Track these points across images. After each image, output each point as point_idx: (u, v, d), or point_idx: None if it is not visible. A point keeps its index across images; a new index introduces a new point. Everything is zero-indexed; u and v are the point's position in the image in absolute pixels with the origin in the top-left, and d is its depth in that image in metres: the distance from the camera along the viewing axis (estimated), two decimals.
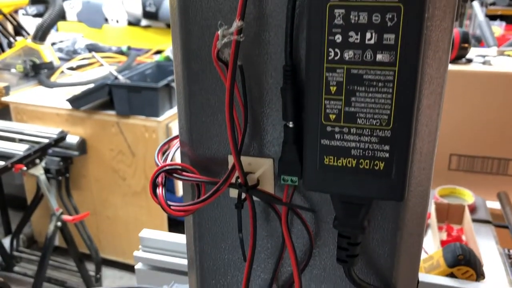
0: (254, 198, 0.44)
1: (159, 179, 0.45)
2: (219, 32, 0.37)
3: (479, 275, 0.85)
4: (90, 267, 2.27)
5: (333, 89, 0.36)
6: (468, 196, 1.18)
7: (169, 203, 0.44)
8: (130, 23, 3.11)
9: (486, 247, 1.13)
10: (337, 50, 0.35)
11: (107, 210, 2.35)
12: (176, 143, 0.50)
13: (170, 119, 2.22)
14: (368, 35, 0.34)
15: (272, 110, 0.43)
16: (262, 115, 0.43)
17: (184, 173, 0.45)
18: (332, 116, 0.37)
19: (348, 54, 0.35)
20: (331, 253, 0.45)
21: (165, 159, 0.48)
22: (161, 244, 0.87)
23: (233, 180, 0.44)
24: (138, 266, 0.87)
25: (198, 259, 0.50)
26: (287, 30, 0.38)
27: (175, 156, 0.50)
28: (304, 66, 0.39)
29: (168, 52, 2.51)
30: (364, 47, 0.34)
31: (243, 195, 0.44)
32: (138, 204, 2.30)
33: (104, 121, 2.21)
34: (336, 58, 0.35)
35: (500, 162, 1.81)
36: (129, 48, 2.78)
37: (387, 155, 0.37)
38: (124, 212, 2.33)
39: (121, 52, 2.73)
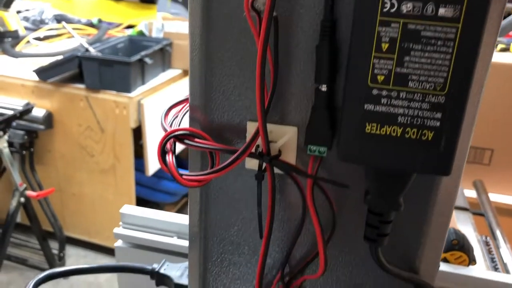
0: (275, 170, 0.40)
1: (168, 146, 0.40)
2: None
3: (471, 260, 0.84)
4: (54, 246, 2.19)
5: (384, 46, 0.32)
6: None
7: (181, 172, 0.39)
8: None
9: (465, 233, 1.13)
10: (393, 1, 0.31)
11: (73, 187, 2.26)
12: (184, 108, 0.45)
13: (142, 95, 2.15)
14: None
15: (301, 71, 0.38)
16: (289, 77, 0.39)
17: (196, 139, 0.40)
18: (380, 78, 0.33)
19: (406, 7, 0.31)
20: (353, 232, 0.41)
21: (171, 126, 0.43)
22: (143, 221, 0.81)
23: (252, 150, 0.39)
24: (118, 243, 0.82)
25: (202, 235, 0.45)
26: None
27: (183, 122, 0.45)
28: (344, 23, 0.35)
29: (142, 26, 2.42)
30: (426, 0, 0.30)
31: (263, 166, 0.40)
32: (106, 182, 2.23)
33: (72, 95, 2.12)
34: (392, 10, 0.31)
35: (476, 151, 1.83)
36: (100, 20, 2.67)
37: (438, 124, 0.33)
38: (90, 189, 2.25)
39: (91, 25, 2.62)
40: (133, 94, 2.10)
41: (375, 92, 0.33)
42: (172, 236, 0.81)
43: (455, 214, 1.21)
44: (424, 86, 0.32)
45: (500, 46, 1.79)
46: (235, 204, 0.43)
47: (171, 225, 0.81)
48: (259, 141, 0.38)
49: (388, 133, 0.34)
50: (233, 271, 0.46)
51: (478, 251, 1.05)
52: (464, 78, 0.32)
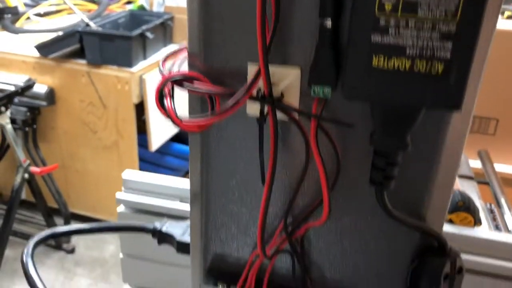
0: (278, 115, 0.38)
1: (166, 90, 0.39)
2: None
3: (477, 221, 0.83)
4: (59, 222, 2.20)
5: None
6: None
7: (180, 116, 0.37)
8: None
9: None
10: None
11: (76, 164, 2.26)
12: (182, 56, 0.44)
13: (143, 70, 2.13)
14: None
15: (304, 6, 0.36)
16: (291, 13, 0.37)
17: (196, 82, 0.39)
18: (388, 6, 0.31)
19: None
20: (358, 178, 0.40)
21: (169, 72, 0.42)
22: (146, 185, 0.81)
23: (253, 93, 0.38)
24: (121, 209, 0.81)
25: (204, 188, 0.44)
26: None
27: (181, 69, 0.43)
28: None
29: (143, 1, 2.39)
30: None
31: (265, 110, 0.38)
32: (109, 158, 2.22)
33: (74, 71, 2.10)
34: None
35: (481, 121, 1.81)
36: None
37: (448, 55, 0.31)
38: (94, 166, 2.25)
39: (91, 0, 2.59)
40: (134, 69, 2.08)
41: (382, 22, 0.31)
42: (175, 200, 0.80)
43: (460, 183, 1.20)
44: (434, 13, 0.31)
45: (507, 14, 1.75)
46: (236, 153, 0.42)
47: (174, 189, 0.80)
48: (261, 84, 0.37)
49: (396, 66, 0.32)
50: (236, 223, 0.45)
51: (482, 218, 1.04)
52: (477, 5, 0.30)
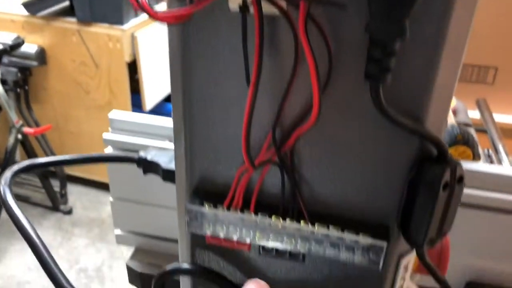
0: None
1: None
2: None
3: (476, 156, 0.81)
4: (55, 183, 2.19)
5: None
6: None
7: (156, 9, 0.34)
8: None
9: None
10: None
11: (70, 125, 2.23)
12: None
13: (135, 28, 2.09)
14: None
15: None
16: None
17: None
18: None
19: None
20: (351, 80, 0.37)
21: None
22: (133, 125, 0.78)
23: None
24: (108, 150, 0.79)
25: (187, 94, 0.41)
26: None
27: None
28: None
29: None
30: None
31: None
32: (103, 119, 2.18)
33: (64, 29, 2.05)
34: None
35: (480, 69, 1.77)
36: None
37: None
38: (88, 126, 2.22)
39: None
40: (126, 26, 2.04)
41: None
42: (163, 140, 0.77)
43: None
44: None
45: None
46: (218, 56, 0.39)
47: (162, 129, 0.77)
48: None
49: None
50: (223, 140, 0.42)
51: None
52: None
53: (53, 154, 2.16)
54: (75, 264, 1.96)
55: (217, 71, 0.39)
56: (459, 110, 1.28)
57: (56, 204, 2.16)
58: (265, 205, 0.43)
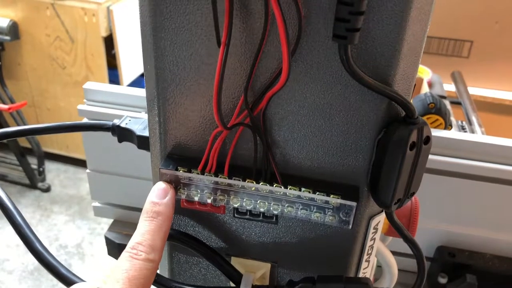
0: None
1: None
2: None
3: (448, 125, 0.82)
4: (32, 161, 2.17)
5: None
6: (425, 73, 1.16)
7: None
8: None
9: None
10: None
11: (47, 101, 2.20)
12: None
13: (111, 1, 2.05)
14: None
15: None
16: None
17: None
18: None
19: None
20: (320, 45, 0.37)
21: None
22: (108, 96, 0.77)
23: None
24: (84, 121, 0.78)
25: (159, 60, 0.41)
26: None
27: None
28: None
29: None
30: None
31: None
32: (80, 95, 2.16)
33: (37, 2, 2.01)
34: None
35: (455, 43, 1.79)
36: None
37: None
38: (65, 103, 2.20)
39: None
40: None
41: None
42: (139, 111, 0.77)
43: None
44: None
45: None
46: (189, 18, 0.39)
47: (138, 99, 0.77)
48: None
49: None
50: (193, 96, 0.42)
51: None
52: None
53: None
54: (55, 241, 1.96)
55: (188, 33, 0.39)
56: (434, 83, 1.29)
57: (34, 181, 2.14)
58: (239, 169, 0.43)
